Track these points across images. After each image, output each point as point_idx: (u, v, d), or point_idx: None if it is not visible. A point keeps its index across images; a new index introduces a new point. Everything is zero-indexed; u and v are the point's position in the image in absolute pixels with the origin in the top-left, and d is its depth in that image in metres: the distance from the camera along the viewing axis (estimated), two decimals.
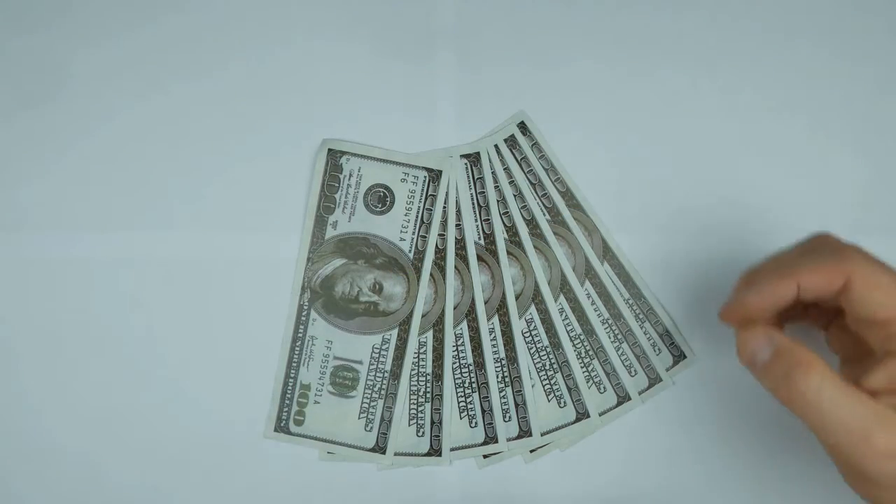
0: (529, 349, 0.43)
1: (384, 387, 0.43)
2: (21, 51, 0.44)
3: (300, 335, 0.43)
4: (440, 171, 0.43)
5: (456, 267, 0.43)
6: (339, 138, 0.43)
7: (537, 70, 0.44)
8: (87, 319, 0.44)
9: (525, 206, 0.44)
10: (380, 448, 0.43)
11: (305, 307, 0.43)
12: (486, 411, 0.43)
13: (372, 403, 0.43)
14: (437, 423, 0.43)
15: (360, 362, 0.43)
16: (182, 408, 0.43)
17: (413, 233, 0.42)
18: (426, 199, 0.43)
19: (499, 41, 0.44)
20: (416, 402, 0.43)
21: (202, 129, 0.44)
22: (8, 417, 0.43)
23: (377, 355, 0.43)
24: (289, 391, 0.43)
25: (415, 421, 0.43)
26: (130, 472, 0.43)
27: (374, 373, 0.42)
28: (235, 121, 0.44)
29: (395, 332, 0.43)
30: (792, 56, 0.45)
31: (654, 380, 0.43)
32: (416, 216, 0.43)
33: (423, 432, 0.43)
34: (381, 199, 0.42)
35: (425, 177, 0.43)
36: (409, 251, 0.42)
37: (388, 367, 0.42)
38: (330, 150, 0.43)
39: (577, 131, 0.44)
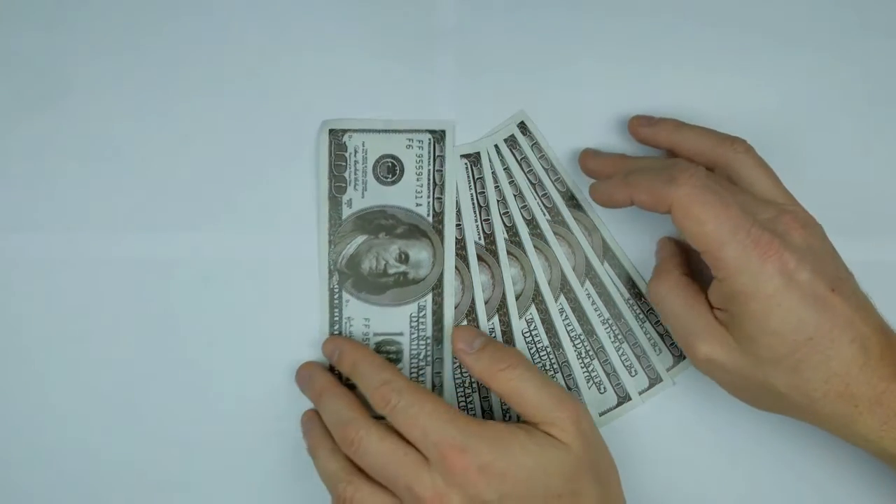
0: (529, 349, 0.43)
1: (429, 353, 0.43)
2: (23, 54, 0.44)
3: (336, 319, 0.43)
4: (443, 132, 0.43)
5: (456, 267, 0.43)
6: (337, 118, 0.43)
7: (537, 70, 0.44)
8: (100, 320, 0.44)
9: (525, 205, 0.43)
10: None
11: (336, 290, 0.42)
12: (486, 411, 0.43)
13: (420, 372, 0.43)
14: (437, 387, 0.43)
15: (401, 333, 0.43)
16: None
17: (428, 196, 0.42)
18: (434, 160, 0.43)
19: (499, 41, 0.44)
20: (416, 365, 0.43)
21: (202, 129, 0.44)
22: (11, 418, 0.43)
23: (416, 324, 0.42)
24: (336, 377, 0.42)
25: None
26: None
27: (416, 341, 0.42)
28: (236, 121, 0.44)
29: (429, 298, 0.42)
30: (791, 56, 0.45)
31: (654, 380, 0.43)
32: (428, 179, 0.43)
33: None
34: (390, 170, 0.42)
35: (430, 139, 0.43)
36: (428, 215, 0.42)
37: (429, 334, 0.42)
38: (331, 130, 0.43)
39: (578, 131, 0.44)
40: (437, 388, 0.43)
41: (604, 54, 0.44)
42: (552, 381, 0.39)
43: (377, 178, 0.42)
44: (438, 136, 0.43)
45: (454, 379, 0.43)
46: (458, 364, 0.43)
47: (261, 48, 0.44)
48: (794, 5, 0.45)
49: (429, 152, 0.42)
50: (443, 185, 0.42)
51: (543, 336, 0.43)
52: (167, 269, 0.44)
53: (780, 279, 0.35)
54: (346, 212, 0.42)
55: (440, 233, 0.42)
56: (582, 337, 0.43)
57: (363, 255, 0.42)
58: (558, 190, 0.44)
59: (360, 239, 0.42)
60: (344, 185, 0.42)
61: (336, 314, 0.43)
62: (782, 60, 0.44)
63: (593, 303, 0.44)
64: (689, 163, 0.38)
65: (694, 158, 0.40)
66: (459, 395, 0.43)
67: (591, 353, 0.43)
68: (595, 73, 0.44)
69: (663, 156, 0.42)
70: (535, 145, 0.44)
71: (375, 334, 0.42)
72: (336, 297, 0.43)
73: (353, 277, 0.42)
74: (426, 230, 0.42)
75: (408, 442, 0.37)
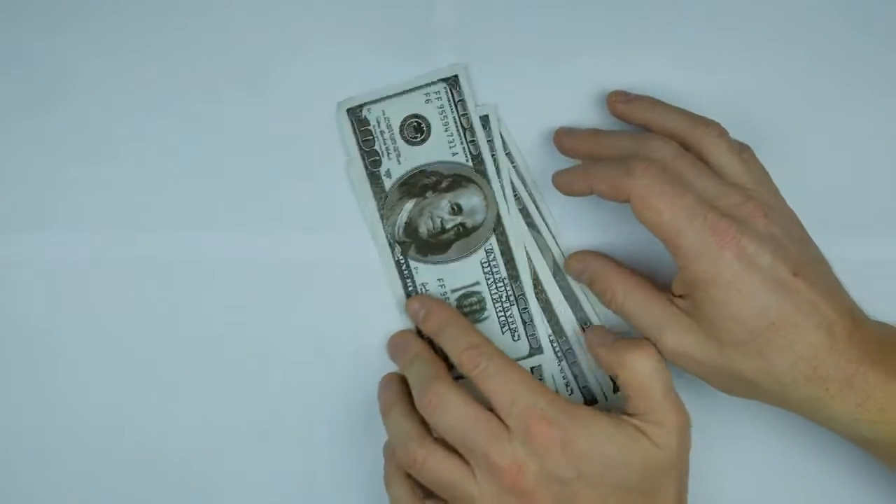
0: (487, 279, 0.43)
1: (511, 293, 0.43)
2: (23, 53, 0.43)
3: (411, 289, 0.43)
4: (455, 76, 0.43)
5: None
6: (349, 97, 0.43)
7: (537, 70, 0.44)
8: (100, 320, 0.44)
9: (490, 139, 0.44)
10: (535, 349, 0.43)
11: (402, 261, 0.42)
12: (527, 322, 0.43)
13: (508, 314, 0.43)
14: (528, 323, 0.43)
15: (478, 283, 0.43)
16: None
17: (461, 143, 0.42)
18: (456, 106, 0.43)
19: (499, 41, 0.44)
20: (501, 308, 0.43)
21: (203, 128, 0.44)
22: (11, 417, 0.43)
23: (489, 268, 0.43)
24: None
25: (506, 327, 0.43)
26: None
27: (494, 285, 0.43)
28: (236, 120, 0.44)
29: (493, 240, 0.43)
30: (791, 56, 0.45)
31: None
32: (457, 127, 0.43)
33: (518, 335, 0.43)
34: (416, 129, 0.42)
35: (445, 88, 0.43)
36: (468, 160, 0.42)
37: (504, 275, 0.43)
38: (349, 109, 0.43)
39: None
40: (526, 325, 0.43)
41: (604, 54, 0.44)
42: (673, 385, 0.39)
43: (407, 141, 0.42)
44: (453, 82, 0.43)
45: (491, 295, 0.43)
46: (490, 277, 0.43)
47: (261, 48, 0.44)
48: (793, 5, 0.45)
49: (448, 101, 0.43)
50: (471, 127, 0.43)
51: (502, 268, 0.43)
52: (168, 269, 0.44)
53: (739, 264, 0.35)
54: (388, 183, 0.42)
55: (483, 174, 0.42)
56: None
57: (417, 218, 0.42)
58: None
59: (410, 204, 0.42)
60: (378, 157, 0.42)
61: (410, 284, 0.43)
62: (781, 58, 0.45)
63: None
64: (647, 156, 0.38)
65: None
66: (498, 310, 0.43)
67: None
68: (595, 72, 0.44)
69: (638, 132, 0.42)
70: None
71: (453, 290, 0.43)
72: (404, 267, 0.42)
73: (414, 244, 0.42)
74: (470, 175, 0.42)
75: (489, 409, 0.37)
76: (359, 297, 0.43)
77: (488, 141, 0.43)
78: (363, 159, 0.42)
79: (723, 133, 0.39)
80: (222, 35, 0.44)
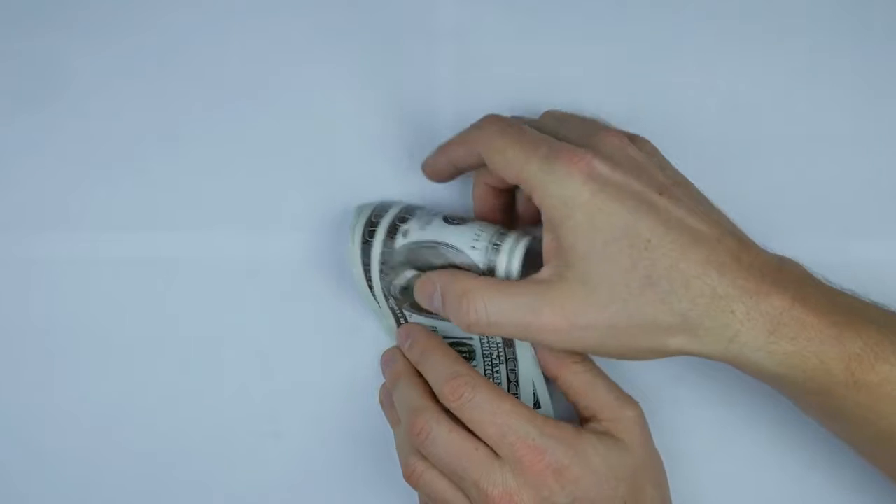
0: (481, 338, 0.42)
1: (501, 353, 0.41)
2: (22, 51, 0.44)
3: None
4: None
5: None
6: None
7: (537, 70, 0.44)
8: (100, 319, 0.44)
9: None
10: None
11: (397, 310, 0.41)
12: (512, 382, 0.42)
13: (496, 370, 0.42)
14: (513, 383, 0.42)
15: (471, 338, 0.41)
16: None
17: (487, 241, 0.38)
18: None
19: (499, 41, 0.44)
20: (490, 363, 0.42)
21: (202, 128, 0.44)
22: (10, 417, 0.43)
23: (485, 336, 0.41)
24: None
25: (491, 380, 0.41)
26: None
27: (487, 344, 0.41)
28: (235, 120, 0.44)
29: None
30: (791, 55, 0.44)
31: None
32: (492, 228, 0.39)
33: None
34: (457, 216, 0.40)
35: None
36: (481, 263, 0.38)
37: (498, 340, 0.41)
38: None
39: None
40: (512, 384, 0.42)
41: (603, 53, 0.44)
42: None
43: (445, 220, 0.39)
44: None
45: (482, 349, 0.42)
46: (485, 338, 0.42)
47: (261, 48, 0.44)
48: (793, 4, 0.44)
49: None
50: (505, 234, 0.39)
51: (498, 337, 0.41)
52: (168, 269, 0.44)
53: (593, 184, 0.33)
54: (401, 241, 0.39)
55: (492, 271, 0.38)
56: None
57: (414, 286, 0.40)
58: None
59: (410, 274, 0.40)
60: (409, 217, 0.40)
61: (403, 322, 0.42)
62: (781, 58, 0.44)
63: None
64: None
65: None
66: (486, 364, 0.42)
67: None
68: (595, 72, 0.44)
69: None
70: None
71: (445, 338, 0.41)
72: (400, 315, 0.42)
73: (408, 302, 0.41)
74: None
75: (477, 437, 0.37)
76: (358, 298, 0.43)
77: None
78: (393, 218, 0.40)
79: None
80: (222, 35, 0.44)
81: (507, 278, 0.37)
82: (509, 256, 0.37)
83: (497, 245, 0.38)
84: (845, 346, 0.33)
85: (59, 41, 0.44)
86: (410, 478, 0.38)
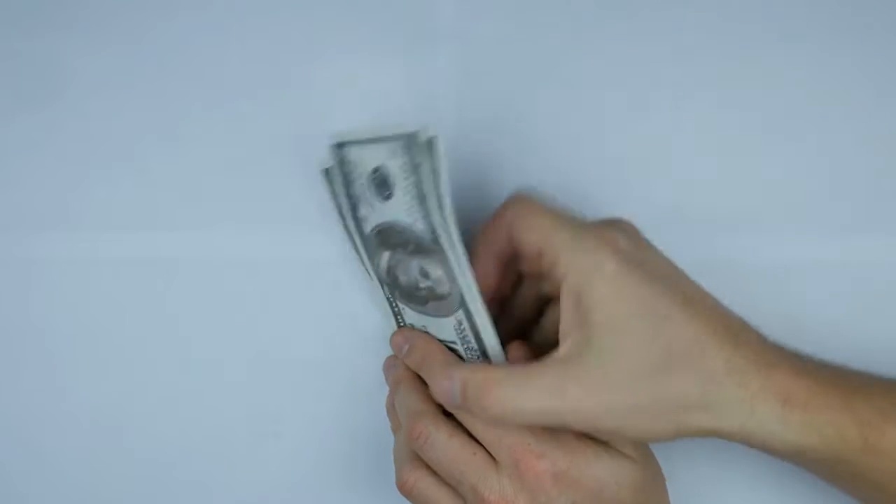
0: (462, 344, 0.41)
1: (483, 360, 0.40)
2: (22, 51, 0.44)
3: (402, 326, 0.42)
4: (415, 134, 0.35)
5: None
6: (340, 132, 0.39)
7: (537, 70, 0.44)
8: (99, 319, 0.44)
9: None
10: None
11: (391, 299, 0.41)
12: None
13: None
14: None
15: (455, 342, 0.40)
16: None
17: (420, 212, 0.36)
18: (415, 170, 0.35)
19: (499, 41, 0.44)
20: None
21: (202, 128, 0.44)
22: (9, 418, 0.43)
23: (462, 335, 0.40)
24: None
25: None
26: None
27: (468, 352, 0.40)
28: (235, 120, 0.44)
29: (461, 314, 0.39)
30: (790, 55, 0.44)
31: None
32: (414, 196, 0.36)
33: None
34: (382, 184, 0.37)
35: (403, 146, 0.35)
36: (426, 233, 0.36)
37: (475, 346, 0.40)
38: (335, 144, 0.38)
39: (578, 131, 0.44)
40: None
41: (604, 54, 0.44)
42: None
43: (375, 195, 0.37)
44: (410, 143, 0.35)
45: (466, 354, 0.41)
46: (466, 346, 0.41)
47: (261, 48, 0.44)
48: (793, 4, 0.44)
49: (406, 163, 0.35)
50: (424, 202, 0.36)
51: (472, 340, 0.40)
52: (168, 269, 0.44)
53: (621, 256, 0.34)
54: (367, 227, 0.39)
55: (442, 253, 0.37)
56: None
57: (395, 268, 0.40)
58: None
59: (387, 254, 0.39)
60: (356, 201, 0.39)
61: (400, 322, 0.42)
62: (781, 58, 0.44)
63: None
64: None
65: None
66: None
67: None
68: (595, 72, 0.44)
69: None
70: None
71: (438, 340, 0.41)
72: (395, 307, 0.41)
73: (397, 288, 0.40)
74: (430, 248, 0.37)
75: (476, 441, 0.37)
76: (358, 298, 0.43)
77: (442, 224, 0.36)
78: (347, 199, 0.38)
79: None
80: (222, 35, 0.44)
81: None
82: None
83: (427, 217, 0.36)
84: (856, 413, 0.34)
85: (59, 41, 0.44)
86: (403, 488, 0.38)
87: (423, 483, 0.37)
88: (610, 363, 0.34)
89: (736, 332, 0.35)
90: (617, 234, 0.35)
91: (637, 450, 0.37)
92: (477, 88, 0.44)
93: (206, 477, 0.44)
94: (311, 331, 0.44)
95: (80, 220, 0.44)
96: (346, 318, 0.44)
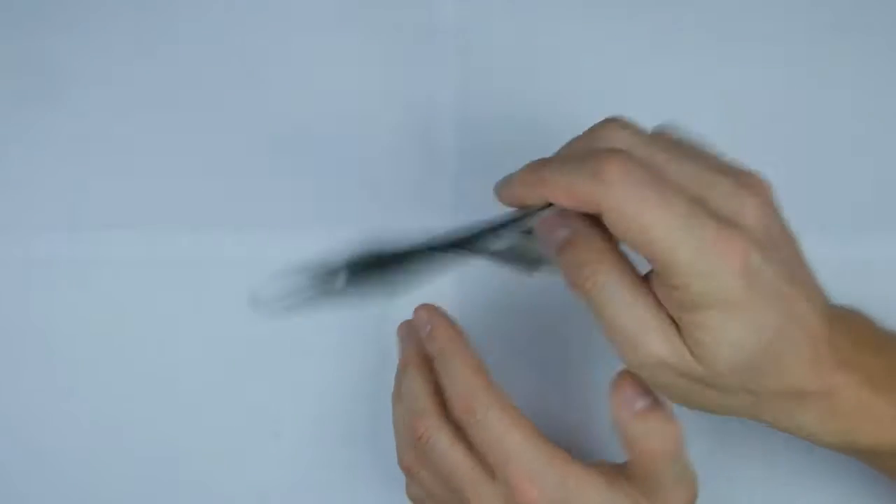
0: None
1: None
2: (22, 51, 0.44)
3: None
4: None
5: None
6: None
7: (537, 70, 0.44)
8: (99, 319, 0.44)
9: None
10: None
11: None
12: None
13: None
14: None
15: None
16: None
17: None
18: None
19: (499, 42, 0.44)
20: None
21: (201, 128, 0.44)
22: (8, 418, 0.43)
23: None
24: None
25: None
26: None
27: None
28: (234, 120, 0.44)
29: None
30: (790, 55, 0.44)
31: None
32: None
33: None
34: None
35: None
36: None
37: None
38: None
39: (578, 131, 0.44)
40: None
41: (604, 54, 0.44)
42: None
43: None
44: None
45: None
46: None
47: (259, 48, 0.44)
48: (794, 4, 0.44)
49: None
50: None
51: None
52: (167, 269, 0.44)
53: (743, 281, 0.29)
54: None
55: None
56: None
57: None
58: None
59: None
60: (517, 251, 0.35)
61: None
62: (781, 57, 0.44)
63: None
64: (618, 144, 0.30)
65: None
66: None
67: None
68: (596, 72, 0.44)
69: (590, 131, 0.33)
70: None
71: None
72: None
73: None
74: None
75: (476, 451, 0.36)
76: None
77: None
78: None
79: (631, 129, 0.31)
80: (222, 35, 0.44)
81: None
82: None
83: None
84: None
85: (59, 41, 0.44)
86: (403, 469, 0.37)
87: (423, 473, 0.37)
88: (697, 355, 0.31)
89: (822, 342, 0.32)
90: (749, 239, 0.29)
91: (648, 487, 0.35)
92: (477, 88, 0.44)
93: (206, 477, 0.43)
94: (311, 330, 0.44)
95: (80, 220, 0.44)
96: (347, 318, 0.44)
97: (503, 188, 0.33)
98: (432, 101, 0.44)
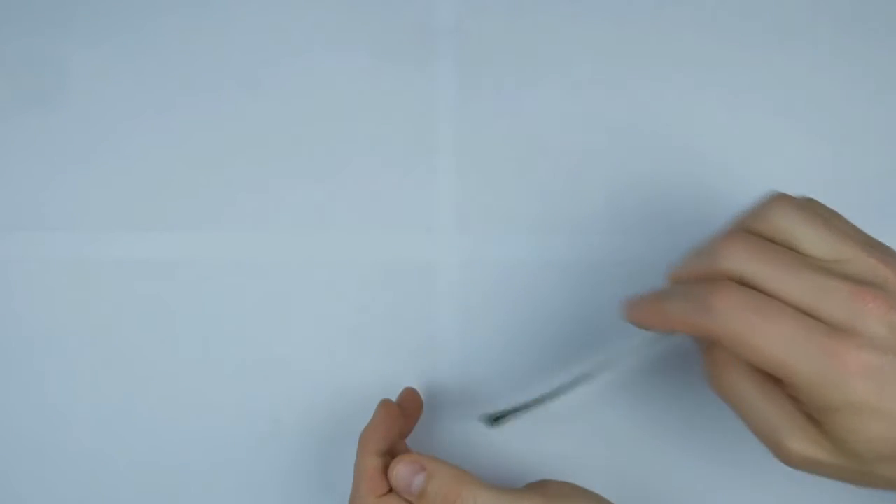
0: None
1: None
2: (22, 51, 0.44)
3: None
4: None
5: None
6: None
7: (537, 71, 0.44)
8: (98, 320, 0.44)
9: None
10: None
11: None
12: None
13: None
14: None
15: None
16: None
17: None
18: None
19: (499, 42, 0.44)
20: None
21: (201, 128, 0.44)
22: (8, 418, 0.43)
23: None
24: None
25: None
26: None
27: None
28: (234, 120, 0.44)
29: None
30: (790, 55, 0.44)
31: None
32: None
33: None
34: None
35: None
36: None
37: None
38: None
39: (579, 133, 0.44)
40: None
41: (604, 54, 0.44)
42: None
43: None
44: None
45: None
46: None
47: (259, 48, 0.44)
48: (794, 4, 0.44)
49: None
50: None
51: None
52: (168, 269, 0.44)
53: (866, 382, 0.30)
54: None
55: None
56: None
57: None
58: None
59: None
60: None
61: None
62: (781, 58, 0.44)
63: None
64: (718, 270, 0.32)
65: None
66: None
67: None
68: (596, 73, 0.44)
69: (708, 243, 0.34)
70: None
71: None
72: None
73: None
74: None
75: None
76: (359, 298, 0.43)
77: None
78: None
79: (783, 201, 0.33)
80: (222, 35, 0.44)
81: None
82: None
83: None
84: None
85: (59, 41, 0.44)
86: None
87: None
88: (841, 449, 0.32)
89: None
90: (865, 347, 0.30)
91: None
92: (477, 87, 0.44)
93: (206, 477, 0.43)
94: (312, 331, 0.44)
95: (80, 220, 0.44)
96: (347, 318, 0.44)
97: (631, 312, 0.35)
98: (432, 101, 0.44)
